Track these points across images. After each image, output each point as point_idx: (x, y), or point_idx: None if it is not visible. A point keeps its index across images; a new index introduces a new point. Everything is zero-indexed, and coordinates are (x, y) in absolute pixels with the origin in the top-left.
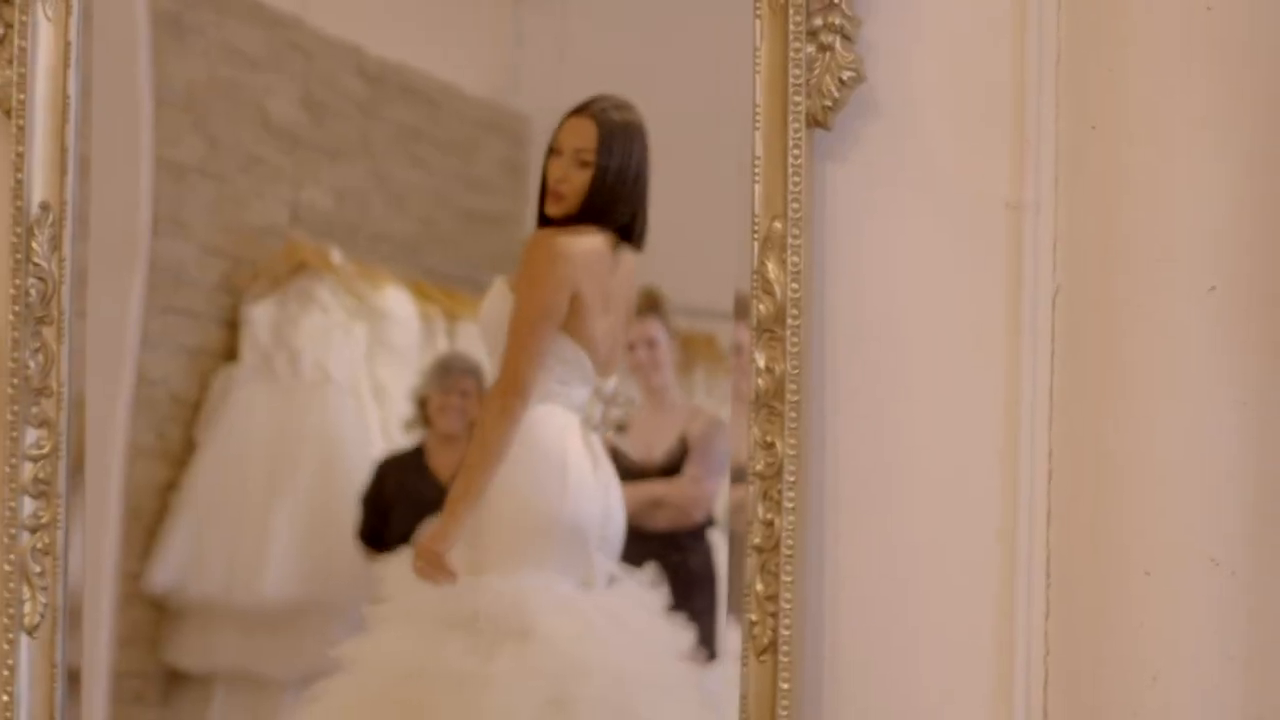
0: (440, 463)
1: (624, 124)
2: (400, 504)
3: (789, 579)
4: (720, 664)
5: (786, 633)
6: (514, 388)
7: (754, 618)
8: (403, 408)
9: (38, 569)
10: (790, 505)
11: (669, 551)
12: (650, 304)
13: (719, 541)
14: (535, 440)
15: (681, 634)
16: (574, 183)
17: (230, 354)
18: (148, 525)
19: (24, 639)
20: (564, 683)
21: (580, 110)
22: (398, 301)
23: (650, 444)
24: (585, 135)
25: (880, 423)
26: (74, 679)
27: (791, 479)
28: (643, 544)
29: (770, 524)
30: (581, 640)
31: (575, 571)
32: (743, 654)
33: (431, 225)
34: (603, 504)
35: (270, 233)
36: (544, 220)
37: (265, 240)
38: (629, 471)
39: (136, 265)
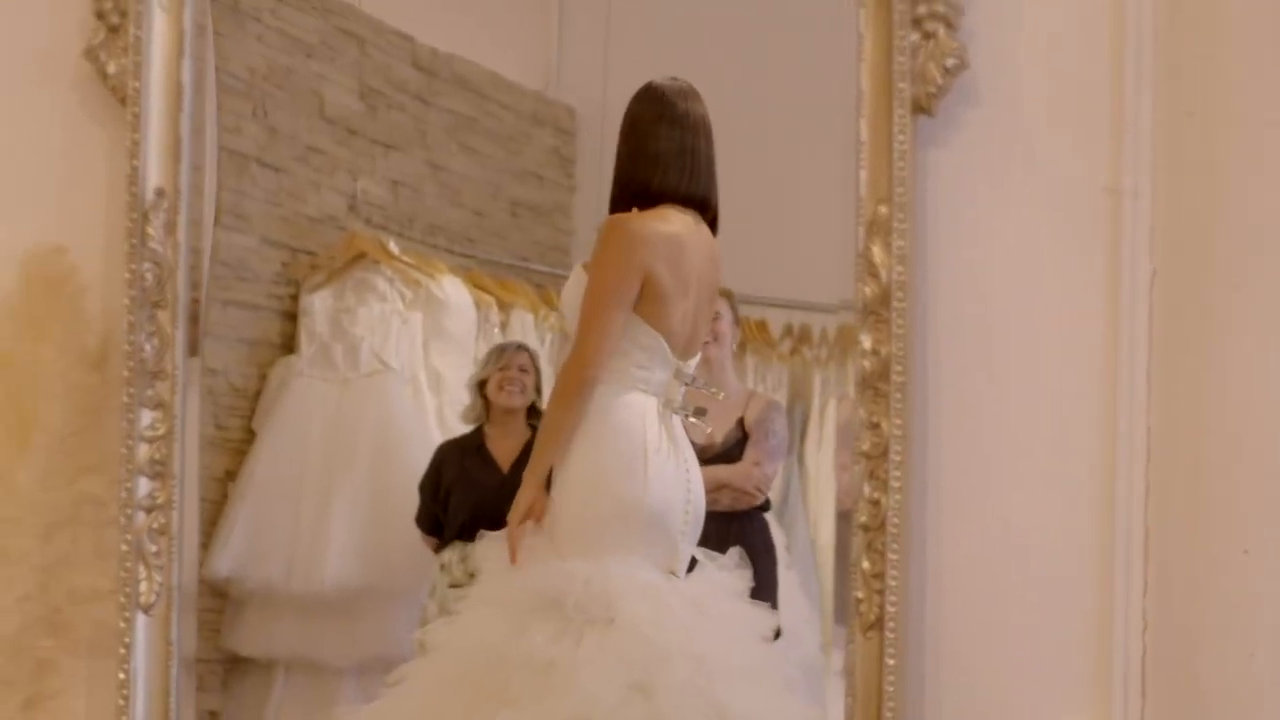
0: (499, 447)
1: (693, 109)
2: (459, 489)
3: (895, 556)
4: (795, 647)
5: (893, 609)
6: (582, 362)
7: (860, 595)
8: (459, 395)
9: (154, 549)
10: (896, 484)
11: (728, 534)
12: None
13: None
14: (615, 426)
15: (764, 616)
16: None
17: (288, 345)
18: (209, 514)
19: (140, 617)
20: (647, 668)
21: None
22: (454, 290)
23: (711, 428)
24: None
25: (982, 403)
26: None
27: (897, 458)
28: (705, 526)
29: (876, 503)
30: (664, 626)
31: (659, 557)
32: (849, 630)
33: (484, 215)
34: (684, 489)
35: (328, 223)
36: (622, 200)
37: (323, 231)
38: (698, 453)
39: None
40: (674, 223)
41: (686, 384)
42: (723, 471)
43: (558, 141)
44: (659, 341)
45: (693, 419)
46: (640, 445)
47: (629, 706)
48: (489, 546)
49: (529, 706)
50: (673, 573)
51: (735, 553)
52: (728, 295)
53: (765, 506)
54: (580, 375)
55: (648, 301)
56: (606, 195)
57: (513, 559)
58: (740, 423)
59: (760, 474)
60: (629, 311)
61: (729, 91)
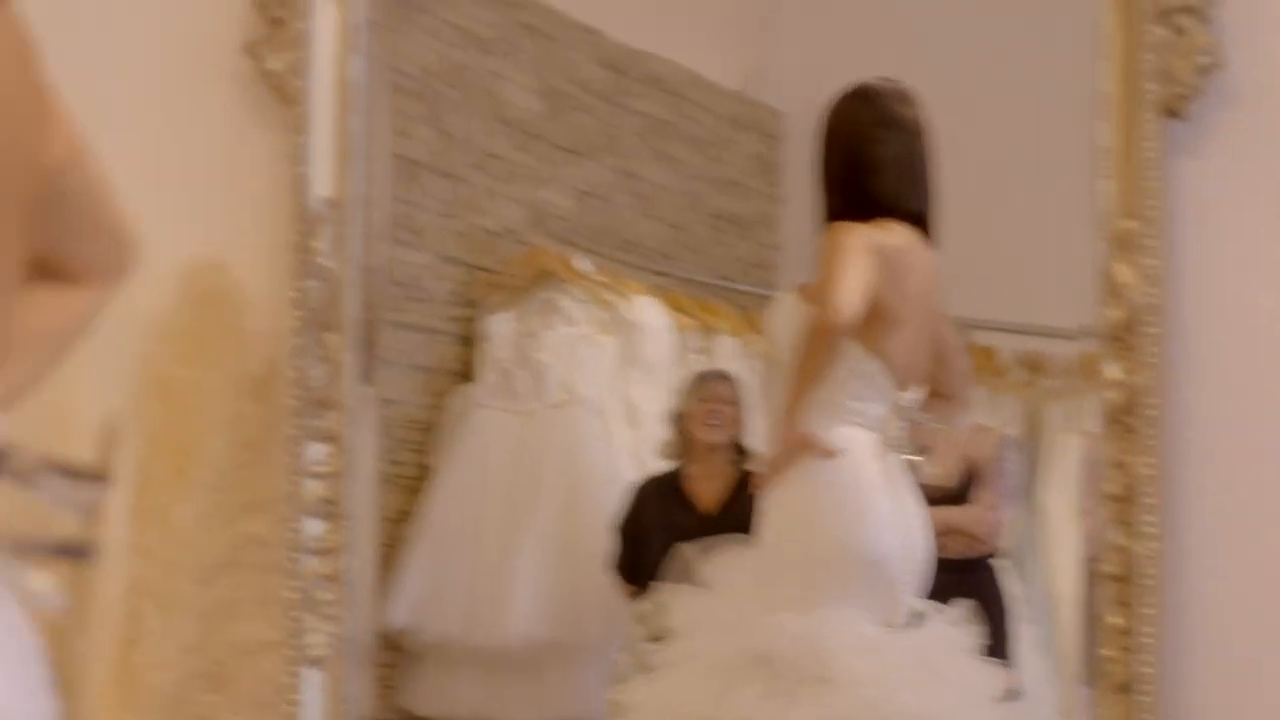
0: (701, 488)
1: (909, 113)
2: (658, 533)
3: (1149, 611)
4: (1033, 710)
5: (1146, 670)
6: (837, 312)
7: (1109, 653)
8: (655, 428)
9: (325, 597)
10: (1150, 530)
11: (959, 584)
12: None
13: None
14: (830, 464)
15: (995, 674)
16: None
17: (465, 372)
18: (383, 558)
19: (310, 672)
20: None
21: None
22: (650, 312)
23: (946, 466)
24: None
25: (1246, 439)
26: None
27: (1150, 501)
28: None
29: (1126, 551)
30: (886, 685)
31: (878, 608)
32: (1095, 693)
33: (681, 229)
34: (906, 533)
35: (508, 237)
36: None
37: (502, 246)
38: (925, 495)
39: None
40: (897, 237)
41: (908, 418)
42: (953, 514)
43: (762, 147)
44: (878, 369)
45: (915, 457)
46: (859, 485)
47: None
48: (687, 600)
49: None
50: (893, 625)
51: (964, 605)
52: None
53: (998, 554)
54: (832, 324)
55: (867, 324)
56: (816, 206)
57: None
58: (970, 460)
59: (994, 518)
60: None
61: (951, 92)
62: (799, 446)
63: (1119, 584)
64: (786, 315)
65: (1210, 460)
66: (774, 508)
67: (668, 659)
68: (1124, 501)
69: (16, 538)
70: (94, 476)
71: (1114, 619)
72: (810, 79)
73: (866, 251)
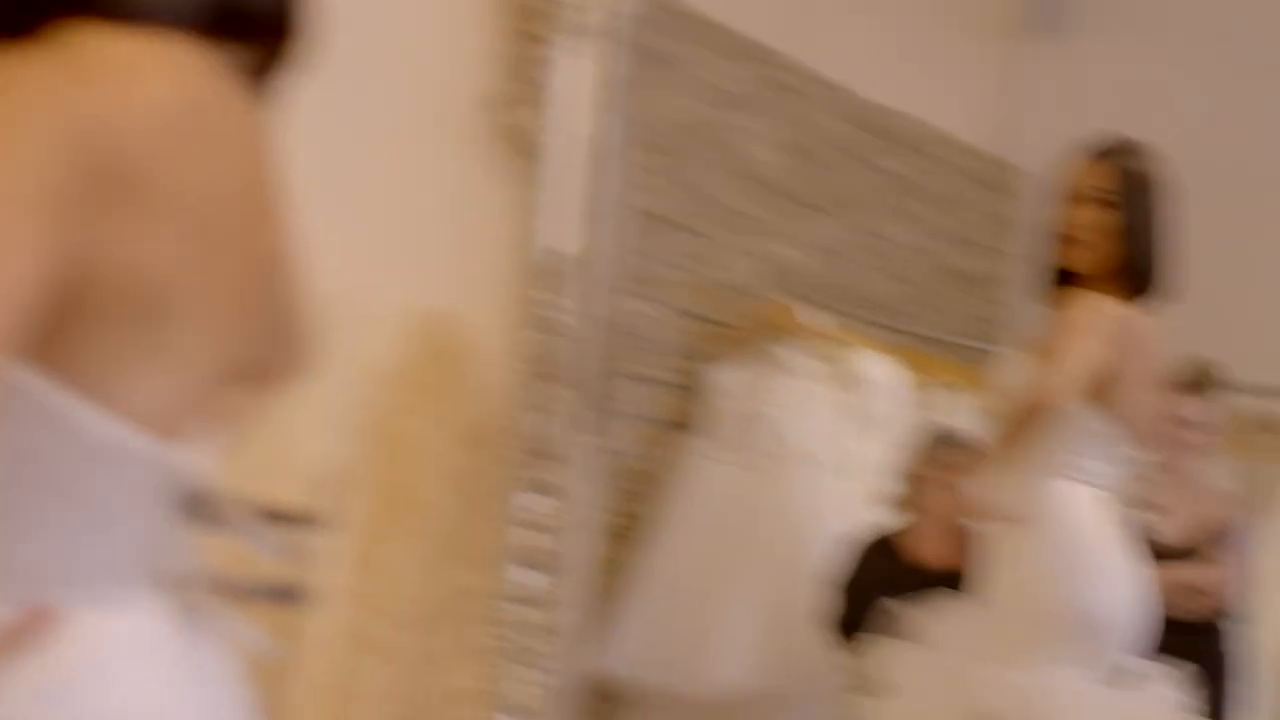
0: (926, 549)
1: (1143, 170)
2: (876, 590)
3: None
4: None
5: None
6: (1055, 393)
7: None
8: (880, 483)
9: (537, 648)
10: None
11: (1194, 645)
12: (1205, 380)
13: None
14: (1065, 525)
15: None
16: (1100, 227)
17: (690, 423)
18: (602, 608)
19: None
20: None
21: (1096, 154)
22: (879, 368)
23: (1176, 526)
24: (1106, 177)
25: None
26: None
27: None
28: (1165, 634)
29: None
30: None
31: (1099, 666)
32: None
33: (916, 285)
34: (1132, 593)
35: (746, 292)
36: (1061, 275)
37: (737, 300)
38: (1153, 555)
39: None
40: (1137, 306)
41: (1139, 477)
42: (1190, 574)
43: (999, 204)
44: (1111, 430)
45: (1148, 515)
46: (1090, 544)
47: None
48: (906, 655)
49: None
50: (1115, 685)
51: (1187, 668)
52: (1210, 385)
53: (1229, 616)
54: (1049, 405)
55: (1108, 387)
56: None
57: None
58: (1209, 522)
59: (1230, 578)
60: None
61: (1203, 150)
62: (982, 513)
63: None
64: (1014, 370)
65: None
66: (1003, 564)
67: (886, 714)
68: None
69: (227, 582)
70: (300, 520)
71: None
72: (1051, 137)
73: (1110, 339)
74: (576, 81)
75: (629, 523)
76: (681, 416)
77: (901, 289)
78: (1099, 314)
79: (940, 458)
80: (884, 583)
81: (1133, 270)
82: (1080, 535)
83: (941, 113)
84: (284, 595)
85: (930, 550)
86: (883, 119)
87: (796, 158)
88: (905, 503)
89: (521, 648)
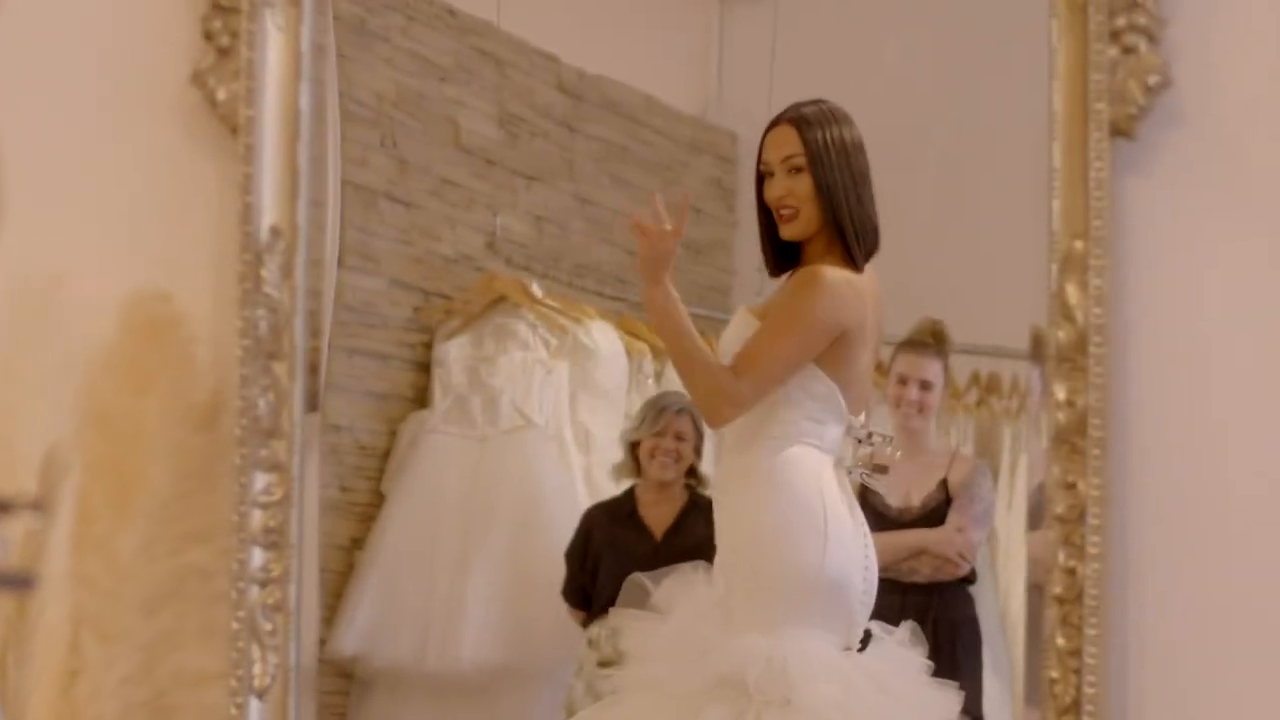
0: (652, 513)
1: (824, 120)
2: (608, 558)
3: (1094, 632)
4: None
5: (1091, 690)
6: (739, 400)
7: (1055, 674)
8: (609, 454)
9: (268, 626)
10: (1094, 551)
11: (928, 606)
12: (935, 339)
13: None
14: (791, 486)
15: (949, 697)
16: (798, 194)
17: (420, 398)
18: (333, 586)
19: (254, 703)
20: None
21: (773, 124)
22: (603, 337)
23: (908, 490)
24: (788, 144)
25: (1193, 461)
26: None
27: (1096, 522)
28: (900, 597)
29: (1072, 572)
30: (848, 708)
31: (837, 630)
32: (1042, 714)
33: (635, 254)
34: (862, 555)
35: (464, 263)
36: (778, 247)
37: (459, 272)
38: (884, 519)
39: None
40: (865, 273)
41: (860, 439)
42: (926, 536)
43: (719, 171)
44: (834, 392)
45: (871, 477)
46: (818, 507)
47: None
48: (643, 625)
49: None
50: (849, 648)
51: (908, 626)
52: (940, 346)
53: (970, 578)
54: (730, 408)
55: (835, 351)
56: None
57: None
58: (943, 484)
59: (964, 540)
60: (804, 366)
61: (904, 113)
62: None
63: (1064, 605)
64: (736, 333)
65: (1155, 481)
66: (734, 528)
67: (625, 684)
68: (1070, 522)
69: None
70: (28, 507)
71: (1059, 640)
72: (765, 102)
73: (846, 305)
74: (283, 55)
75: (366, 499)
76: (408, 390)
77: (623, 258)
78: (814, 285)
79: (664, 432)
80: (616, 552)
81: (840, 230)
82: (811, 499)
83: (654, 80)
84: (11, 581)
85: (656, 517)
86: (593, 87)
87: (508, 127)
88: (630, 471)
89: (256, 628)
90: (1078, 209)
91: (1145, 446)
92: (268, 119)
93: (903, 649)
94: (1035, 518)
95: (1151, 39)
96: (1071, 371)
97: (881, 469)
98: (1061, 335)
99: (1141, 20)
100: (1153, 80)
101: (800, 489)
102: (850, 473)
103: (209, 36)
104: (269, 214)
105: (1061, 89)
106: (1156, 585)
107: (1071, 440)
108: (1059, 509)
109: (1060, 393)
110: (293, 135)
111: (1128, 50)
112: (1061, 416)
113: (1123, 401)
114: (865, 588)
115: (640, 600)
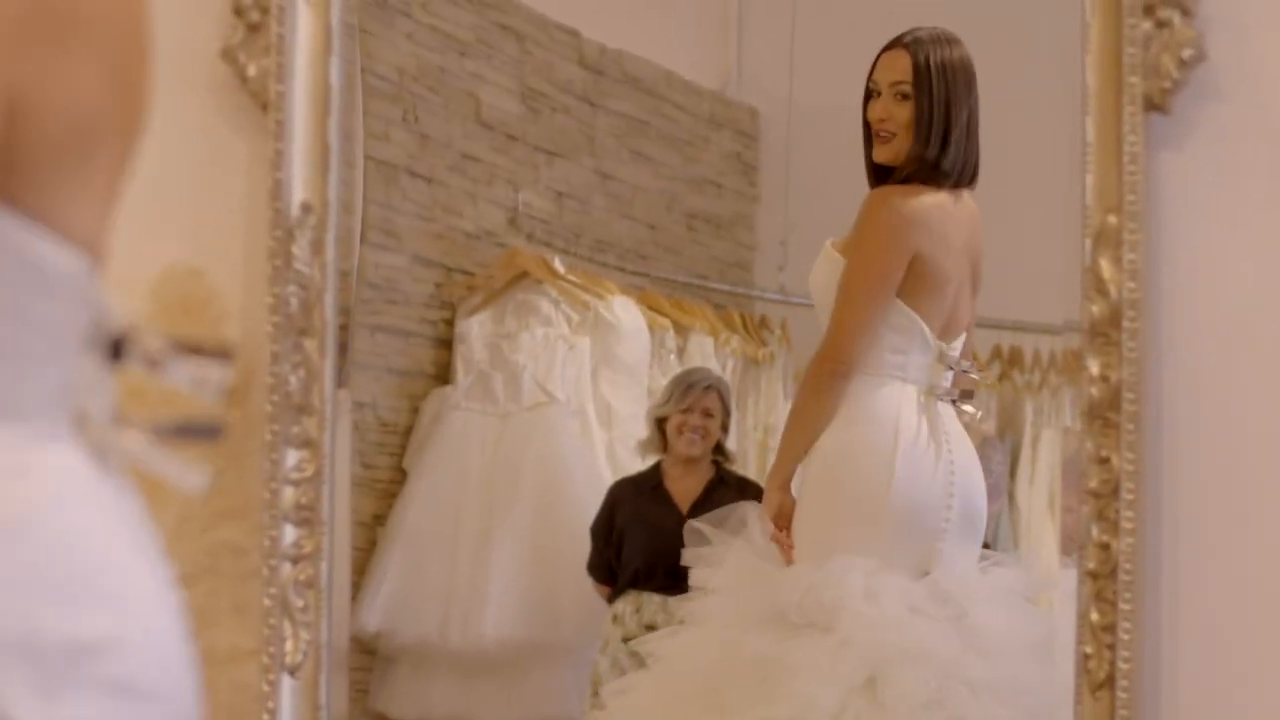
0: (678, 487)
1: (940, 53)
2: (634, 532)
3: (1128, 607)
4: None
5: (1125, 666)
6: (836, 355)
7: (1089, 650)
8: (631, 429)
9: (300, 603)
10: (1129, 526)
11: None
12: None
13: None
14: (862, 417)
15: (1036, 622)
16: (898, 119)
17: (442, 375)
18: (356, 563)
19: (285, 679)
20: (870, 671)
21: (893, 44)
22: (625, 313)
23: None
24: (900, 68)
25: (1227, 434)
26: None
27: (1130, 497)
28: None
29: (1106, 547)
30: (885, 628)
31: (910, 558)
32: (1076, 689)
33: (657, 229)
34: (946, 483)
35: (486, 239)
36: (874, 168)
37: (480, 248)
38: None
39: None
40: (938, 194)
41: (951, 368)
42: None
43: (739, 146)
44: (916, 323)
45: (961, 404)
46: (889, 437)
47: (851, 711)
48: (702, 565)
49: (746, 712)
50: (927, 570)
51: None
52: None
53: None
54: (832, 369)
55: (911, 281)
56: (791, 204)
57: (788, 560)
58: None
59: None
60: (891, 298)
61: None
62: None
63: (1098, 580)
64: (825, 268)
65: (1190, 455)
66: (809, 461)
67: (701, 612)
68: (1104, 497)
69: (149, 421)
70: (220, 354)
71: (1093, 615)
72: (787, 77)
73: (896, 252)
74: (313, 30)
75: (388, 476)
76: (432, 367)
77: (647, 233)
78: (884, 210)
79: (692, 408)
80: (643, 526)
81: (927, 159)
82: (876, 430)
83: (674, 55)
84: (201, 431)
85: (682, 491)
86: (614, 62)
87: (529, 103)
88: (657, 446)
89: (288, 605)
90: (1111, 183)
91: (1179, 421)
92: (298, 95)
93: (1002, 570)
94: (1068, 492)
95: (1185, 12)
96: (1105, 346)
97: (968, 395)
98: (1095, 310)
99: None
100: (1186, 54)
101: (873, 420)
102: (941, 399)
103: (239, 12)
104: (299, 190)
105: (1094, 63)
106: (1191, 560)
107: (1105, 415)
108: (1093, 484)
109: (1094, 367)
110: (323, 111)
111: (1161, 24)
112: (1095, 391)
113: (1156, 376)
114: (949, 516)
115: (701, 544)
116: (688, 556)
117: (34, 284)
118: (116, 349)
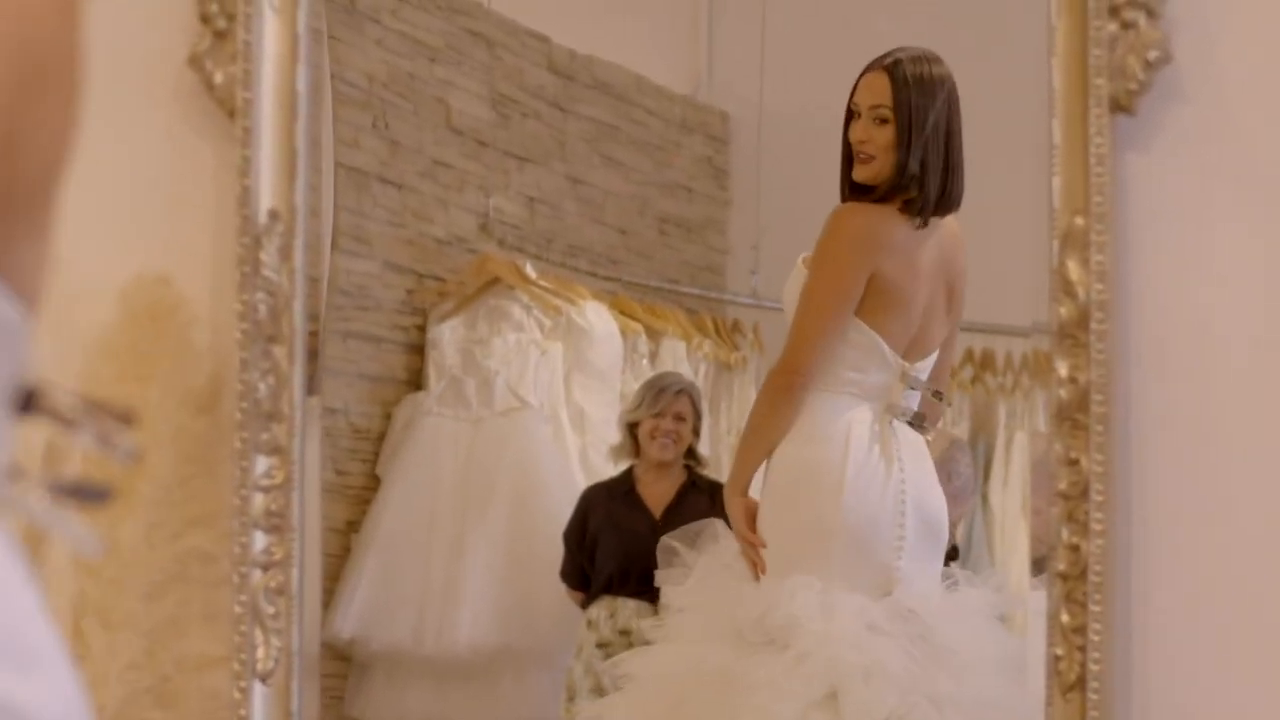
0: (651, 492)
1: (921, 76)
2: (607, 538)
3: (1098, 609)
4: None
5: (1096, 667)
6: (792, 367)
7: (1060, 651)
8: (604, 434)
9: (271, 610)
10: (1098, 528)
11: None
12: None
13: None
14: (814, 436)
15: (1003, 641)
16: (877, 142)
17: (414, 381)
18: (329, 570)
19: (257, 686)
20: (826, 687)
21: (874, 65)
22: (598, 318)
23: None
24: (880, 91)
25: (1197, 436)
26: None
27: (1099, 499)
28: None
29: (1076, 549)
30: (831, 643)
31: (867, 577)
32: (1047, 691)
33: (629, 234)
34: (897, 501)
35: (457, 245)
36: (853, 187)
37: (452, 254)
38: None
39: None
40: (902, 214)
41: (912, 387)
42: None
43: (710, 150)
44: (875, 340)
45: (912, 425)
46: (837, 456)
47: None
48: (672, 583)
49: None
50: (885, 592)
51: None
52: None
53: (952, 554)
54: (788, 380)
55: (872, 298)
56: (763, 208)
57: (757, 572)
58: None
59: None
60: (850, 314)
61: None
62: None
63: (1068, 582)
64: (796, 280)
65: (1158, 457)
66: (765, 479)
67: (670, 631)
68: (1073, 499)
69: (45, 479)
70: (123, 418)
71: (1064, 617)
72: (757, 81)
73: (851, 268)
74: (279, 37)
75: (361, 482)
76: (404, 373)
77: (618, 238)
78: (846, 225)
79: (664, 413)
80: (616, 532)
81: (903, 182)
82: (826, 448)
83: (644, 60)
84: (90, 493)
85: (652, 494)
86: (584, 67)
87: (499, 108)
88: (629, 451)
89: (258, 612)
90: (1078, 185)
91: (1147, 422)
92: (265, 101)
93: (969, 589)
94: (1037, 495)
95: (1151, 14)
96: (1073, 348)
97: (920, 418)
98: (1063, 312)
99: None
100: (1152, 55)
101: (823, 440)
102: (897, 419)
103: (205, 19)
104: (267, 197)
105: (1061, 65)
106: (1160, 561)
107: (1074, 416)
108: (1062, 485)
109: (1062, 369)
110: (290, 117)
111: (1127, 25)
112: (1063, 393)
113: (1125, 377)
114: (902, 535)
115: (672, 562)
116: (659, 577)
117: None
118: (26, 403)
